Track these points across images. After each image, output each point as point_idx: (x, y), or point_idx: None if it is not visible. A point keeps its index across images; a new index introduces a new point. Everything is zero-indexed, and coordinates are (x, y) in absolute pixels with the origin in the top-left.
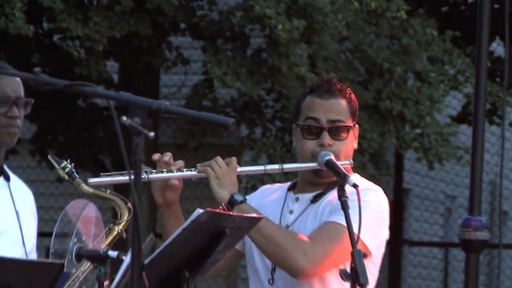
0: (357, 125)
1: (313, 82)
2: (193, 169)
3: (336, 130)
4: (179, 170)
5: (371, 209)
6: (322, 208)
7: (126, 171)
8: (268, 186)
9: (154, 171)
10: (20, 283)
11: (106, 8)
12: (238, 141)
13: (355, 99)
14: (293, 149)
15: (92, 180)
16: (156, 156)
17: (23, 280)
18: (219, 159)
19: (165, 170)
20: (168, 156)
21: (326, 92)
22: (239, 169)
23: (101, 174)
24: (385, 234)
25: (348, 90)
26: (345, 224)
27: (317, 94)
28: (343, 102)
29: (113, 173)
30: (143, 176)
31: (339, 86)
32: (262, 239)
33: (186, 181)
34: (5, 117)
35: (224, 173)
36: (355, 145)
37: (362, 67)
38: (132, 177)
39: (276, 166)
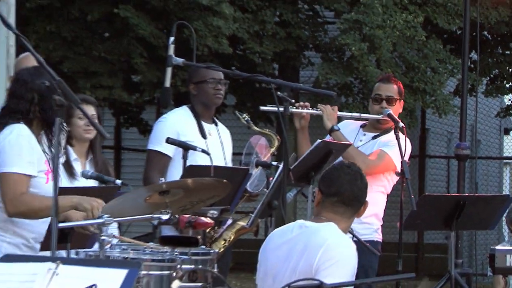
0: (402, 101)
1: (381, 76)
2: (315, 108)
3: (389, 100)
4: (307, 108)
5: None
6: (378, 142)
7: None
8: (346, 121)
9: (295, 107)
10: (225, 178)
11: (271, 36)
12: (340, 105)
13: (402, 85)
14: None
15: (262, 108)
16: (296, 103)
17: (227, 177)
18: (329, 106)
19: (300, 108)
20: (303, 102)
21: (386, 80)
22: (338, 113)
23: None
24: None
25: (398, 82)
26: (388, 152)
27: (382, 82)
28: (394, 86)
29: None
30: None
31: (393, 79)
32: (346, 155)
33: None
34: (214, 89)
35: (331, 113)
36: (400, 110)
37: (403, 65)
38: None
39: (357, 115)
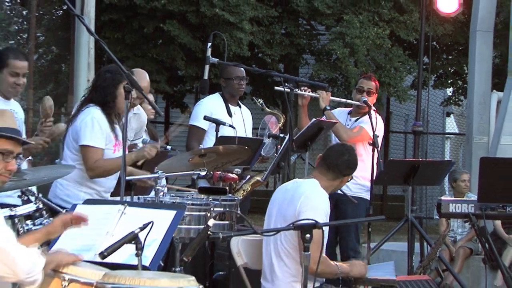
0: (376, 93)
1: (365, 74)
2: (314, 92)
3: (369, 92)
4: (309, 92)
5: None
6: (359, 121)
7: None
8: (339, 109)
9: (299, 89)
10: (246, 146)
11: (279, 43)
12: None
13: (378, 83)
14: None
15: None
16: (301, 87)
17: (247, 145)
18: (324, 91)
19: (303, 90)
20: (306, 87)
21: (368, 78)
22: (331, 97)
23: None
24: (382, 132)
25: (376, 81)
26: (365, 127)
27: (365, 78)
28: (373, 83)
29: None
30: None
31: (373, 78)
32: (334, 129)
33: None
34: (237, 85)
35: (325, 97)
36: (374, 101)
37: (374, 65)
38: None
39: (343, 100)
